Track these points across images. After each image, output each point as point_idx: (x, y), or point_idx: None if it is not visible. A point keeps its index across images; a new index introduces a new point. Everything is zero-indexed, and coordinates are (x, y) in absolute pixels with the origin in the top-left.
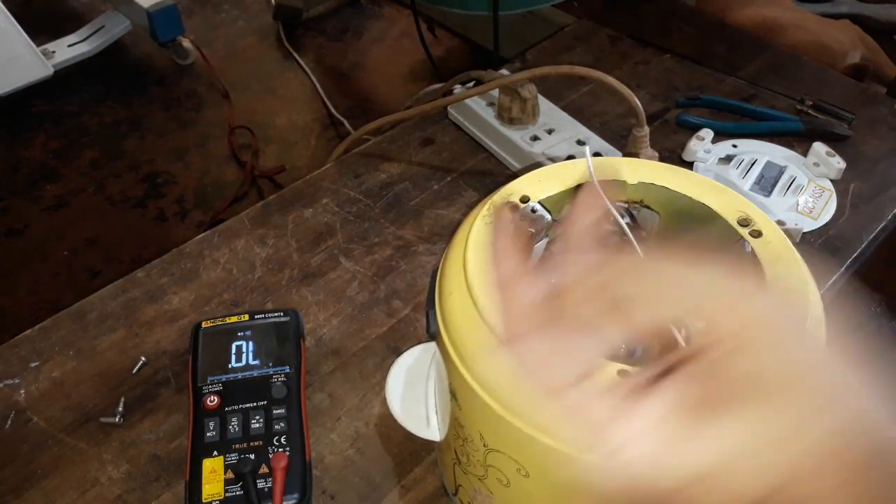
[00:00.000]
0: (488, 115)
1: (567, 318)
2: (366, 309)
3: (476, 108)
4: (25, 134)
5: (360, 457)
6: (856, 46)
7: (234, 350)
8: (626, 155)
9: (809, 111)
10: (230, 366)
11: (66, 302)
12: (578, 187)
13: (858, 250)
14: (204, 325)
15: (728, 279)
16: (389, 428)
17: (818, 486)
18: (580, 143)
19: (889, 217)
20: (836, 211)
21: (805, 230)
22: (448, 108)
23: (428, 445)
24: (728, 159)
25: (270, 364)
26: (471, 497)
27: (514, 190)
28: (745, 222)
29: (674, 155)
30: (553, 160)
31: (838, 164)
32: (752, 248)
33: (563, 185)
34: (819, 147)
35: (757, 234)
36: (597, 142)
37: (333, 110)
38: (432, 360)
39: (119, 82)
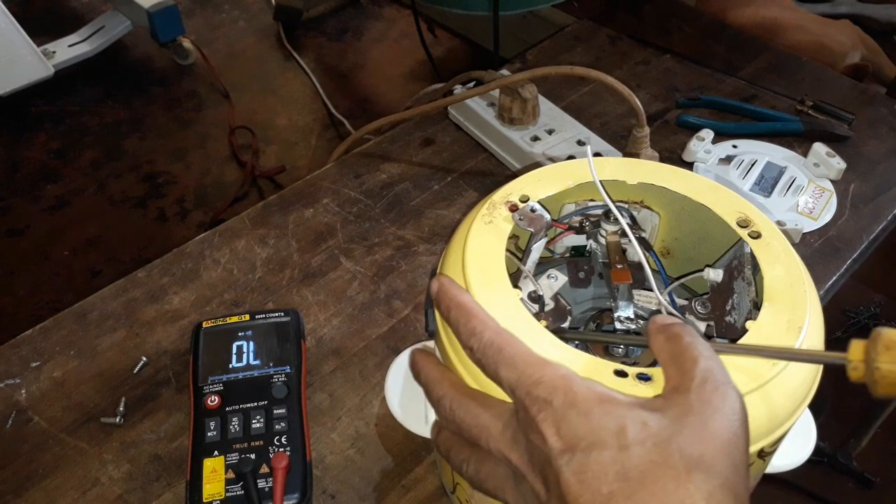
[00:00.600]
0: (489, 115)
1: None
2: (366, 309)
3: (476, 109)
4: (26, 134)
5: (361, 456)
6: (856, 47)
7: (234, 350)
8: (626, 155)
9: (809, 111)
10: (231, 366)
11: (66, 302)
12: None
13: (858, 251)
14: (205, 325)
15: None
16: (390, 428)
17: None
18: (580, 143)
19: (889, 217)
20: (836, 211)
21: (805, 231)
22: (448, 108)
23: (428, 445)
24: (728, 160)
25: (271, 364)
26: (468, 494)
27: (514, 190)
28: (744, 223)
29: (674, 155)
30: (553, 160)
31: (838, 164)
32: (751, 249)
33: (563, 185)
34: (819, 147)
35: (756, 235)
36: (597, 142)
37: (334, 110)
38: None
39: (119, 82)
